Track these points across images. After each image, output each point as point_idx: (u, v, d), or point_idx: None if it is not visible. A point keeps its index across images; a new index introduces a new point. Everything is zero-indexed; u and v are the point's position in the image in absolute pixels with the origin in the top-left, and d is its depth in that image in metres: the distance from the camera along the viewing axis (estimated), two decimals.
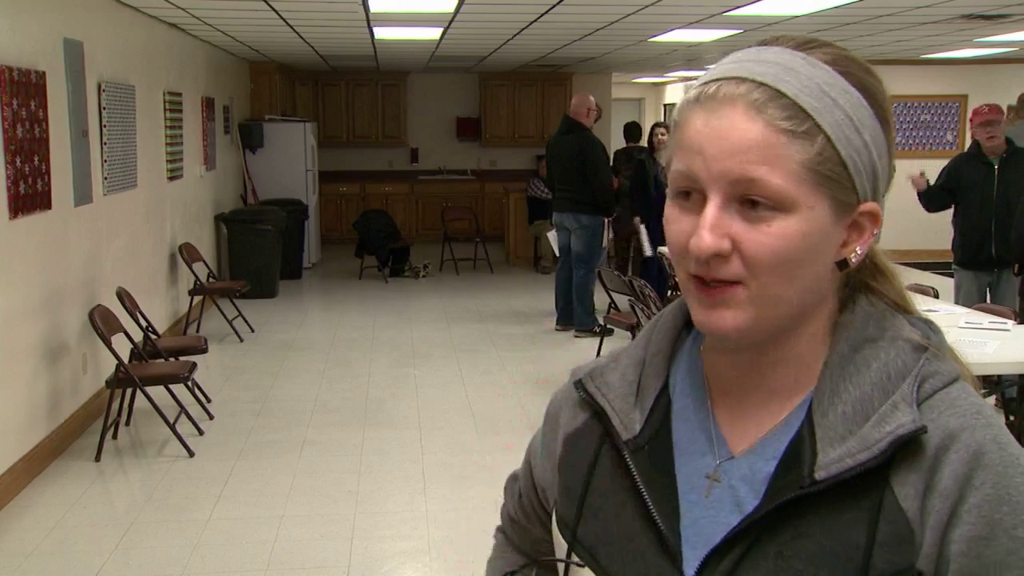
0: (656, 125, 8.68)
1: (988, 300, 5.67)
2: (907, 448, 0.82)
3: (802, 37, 0.88)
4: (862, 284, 0.92)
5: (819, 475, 0.83)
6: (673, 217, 0.86)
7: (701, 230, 0.82)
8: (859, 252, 0.87)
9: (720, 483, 0.90)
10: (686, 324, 0.98)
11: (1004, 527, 0.79)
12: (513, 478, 1.19)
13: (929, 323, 0.92)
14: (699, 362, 0.96)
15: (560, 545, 1.00)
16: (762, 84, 0.82)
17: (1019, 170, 5.50)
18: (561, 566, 0.99)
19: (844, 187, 0.83)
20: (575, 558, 0.96)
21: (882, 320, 0.89)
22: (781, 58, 0.84)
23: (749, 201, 0.82)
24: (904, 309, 0.93)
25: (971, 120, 5.75)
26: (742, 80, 0.83)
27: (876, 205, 0.86)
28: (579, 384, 1.01)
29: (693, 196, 0.85)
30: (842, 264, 0.87)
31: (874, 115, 0.85)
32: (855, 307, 0.90)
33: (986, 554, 0.79)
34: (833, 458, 0.83)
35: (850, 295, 0.92)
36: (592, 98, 7.76)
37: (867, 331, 0.88)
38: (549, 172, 8.03)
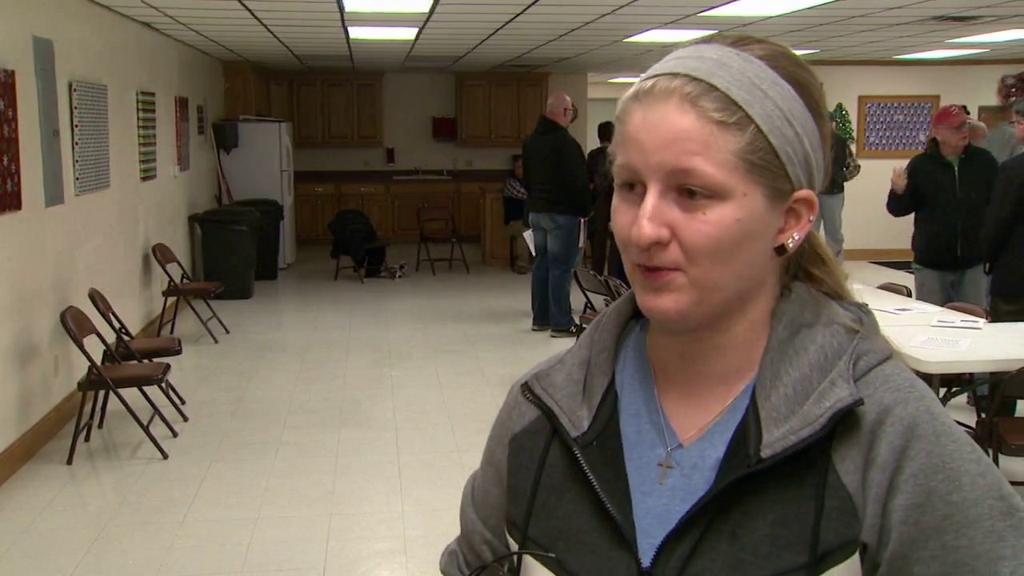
0: None
1: (951, 298, 5.71)
2: (846, 424, 0.85)
3: (739, 34, 0.90)
4: (803, 271, 0.96)
5: (764, 453, 0.86)
6: (618, 209, 0.89)
7: (641, 219, 0.85)
8: (796, 238, 0.90)
9: (672, 470, 0.91)
10: (633, 316, 1.00)
11: (939, 493, 0.83)
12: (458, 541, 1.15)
13: (861, 306, 0.95)
14: (645, 355, 0.98)
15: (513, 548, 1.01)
16: (695, 78, 0.85)
17: (978, 169, 5.57)
18: (515, 562, 0.99)
19: (777, 175, 0.86)
20: (529, 553, 0.97)
21: (817, 306, 0.92)
22: (716, 54, 0.87)
23: (687, 191, 0.85)
24: (840, 296, 0.96)
25: (939, 121, 5.75)
26: (676, 75, 0.86)
27: (811, 192, 0.89)
28: (525, 387, 1.02)
29: (636, 188, 0.87)
30: (780, 250, 0.89)
31: (805, 106, 0.88)
32: (791, 294, 0.93)
33: (924, 520, 0.82)
34: (777, 436, 0.86)
35: (787, 283, 0.94)
36: (568, 98, 7.77)
37: (803, 317, 0.91)
38: (525, 172, 8.02)
